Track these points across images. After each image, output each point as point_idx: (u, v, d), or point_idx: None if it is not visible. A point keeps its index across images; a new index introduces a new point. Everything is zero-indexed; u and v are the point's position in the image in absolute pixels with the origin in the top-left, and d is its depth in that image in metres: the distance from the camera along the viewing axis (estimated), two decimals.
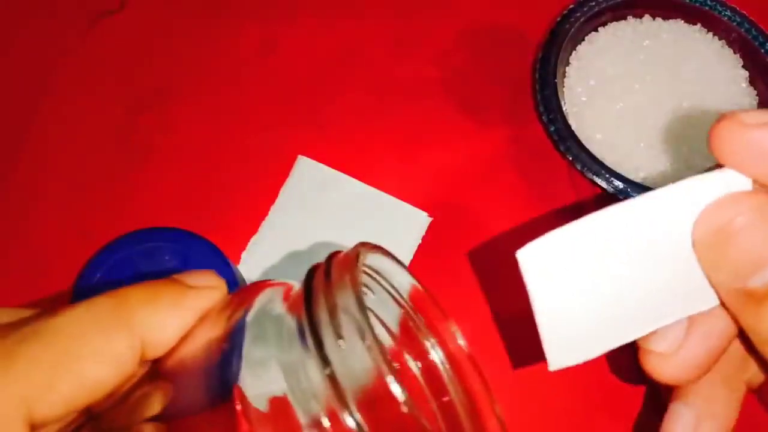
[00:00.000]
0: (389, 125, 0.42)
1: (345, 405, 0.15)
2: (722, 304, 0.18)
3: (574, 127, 0.35)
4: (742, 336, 0.19)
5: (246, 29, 0.45)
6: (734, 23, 0.38)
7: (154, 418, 0.17)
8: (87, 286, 0.35)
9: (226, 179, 0.40)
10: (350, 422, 0.15)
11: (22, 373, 0.15)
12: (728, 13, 0.38)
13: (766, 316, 0.17)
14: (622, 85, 0.37)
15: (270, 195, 0.40)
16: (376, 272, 0.21)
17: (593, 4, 0.38)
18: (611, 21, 0.39)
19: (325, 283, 0.17)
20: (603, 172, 0.34)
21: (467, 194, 0.40)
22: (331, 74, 0.43)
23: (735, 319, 0.18)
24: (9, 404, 0.15)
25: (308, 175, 0.40)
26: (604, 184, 0.33)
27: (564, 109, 0.36)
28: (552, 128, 0.35)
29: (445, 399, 0.21)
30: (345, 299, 0.17)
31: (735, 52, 0.38)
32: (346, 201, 0.39)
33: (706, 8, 0.39)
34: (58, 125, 0.42)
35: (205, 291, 0.19)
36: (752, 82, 0.38)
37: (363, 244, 0.19)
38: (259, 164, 0.41)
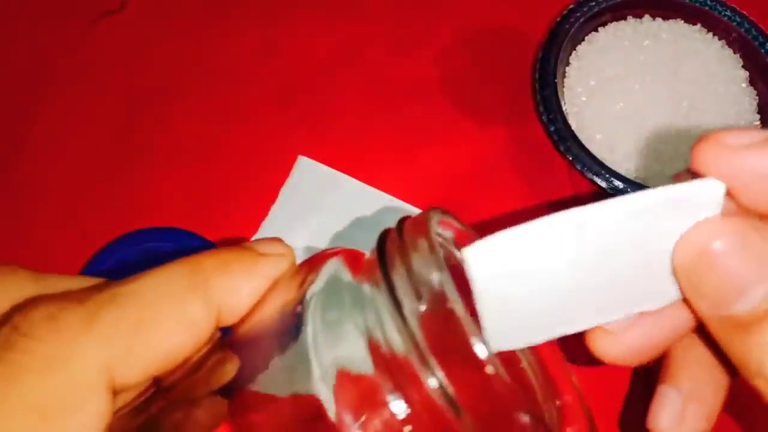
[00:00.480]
0: (389, 125, 0.42)
1: (427, 365, 0.15)
2: (712, 335, 0.17)
3: (574, 127, 0.35)
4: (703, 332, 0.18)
5: (246, 29, 0.45)
6: (734, 23, 0.38)
7: (224, 389, 0.17)
8: None
9: (226, 179, 0.40)
10: (433, 382, 0.15)
11: (104, 338, 0.15)
12: (728, 13, 0.38)
13: (754, 346, 0.16)
14: (622, 85, 0.37)
15: (270, 195, 0.40)
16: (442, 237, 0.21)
17: (593, 4, 0.38)
18: (611, 21, 0.39)
19: (400, 245, 0.17)
20: (603, 172, 0.34)
21: (467, 194, 0.40)
22: (331, 74, 0.43)
23: (726, 352, 0.17)
24: (92, 368, 0.15)
25: (308, 175, 0.40)
26: (603, 184, 0.33)
27: (564, 109, 0.36)
28: (552, 128, 0.35)
29: (520, 365, 0.21)
30: (422, 261, 0.16)
31: (735, 52, 0.38)
32: (346, 201, 0.39)
33: (706, 8, 0.39)
34: (58, 125, 0.42)
35: (275, 258, 0.19)
36: (752, 82, 0.38)
37: (434, 209, 0.19)
38: (259, 164, 0.41)
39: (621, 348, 0.18)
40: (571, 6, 0.38)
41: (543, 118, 0.35)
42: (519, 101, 0.41)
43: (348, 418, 0.15)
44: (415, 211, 0.39)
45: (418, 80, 0.43)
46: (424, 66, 0.44)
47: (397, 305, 0.16)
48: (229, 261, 0.18)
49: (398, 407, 0.16)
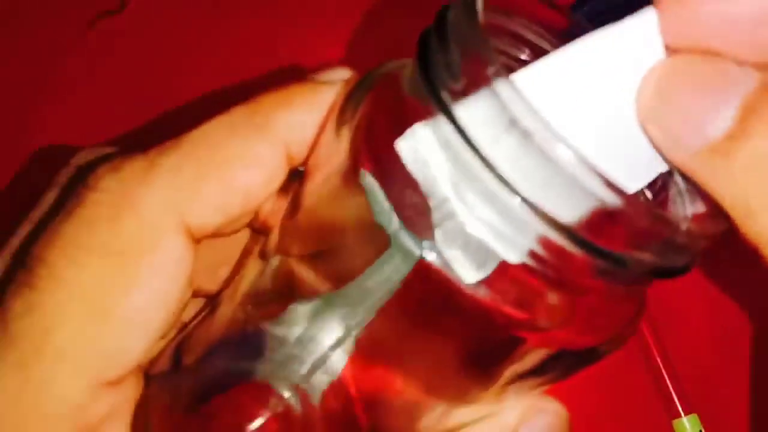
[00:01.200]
0: None
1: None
2: (699, 184, 0.14)
3: None
4: None
5: (246, 29, 0.44)
6: None
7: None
8: None
9: None
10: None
11: (166, 181, 0.15)
12: None
13: (737, 170, 0.13)
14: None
15: None
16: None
17: (593, 4, 0.38)
18: (611, 22, 0.39)
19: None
20: None
21: None
22: None
23: (714, 196, 0.14)
24: (158, 211, 0.15)
25: None
26: None
27: None
28: None
29: None
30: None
31: None
32: None
33: None
34: (57, 125, 0.42)
35: (337, 85, 0.18)
36: None
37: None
38: None
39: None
40: (570, 6, 0.38)
41: None
42: None
43: None
44: None
45: None
46: None
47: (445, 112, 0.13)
48: (289, 95, 0.17)
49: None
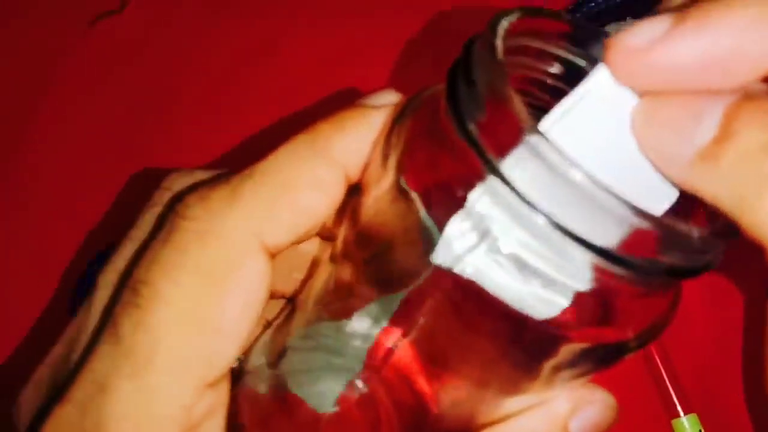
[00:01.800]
0: None
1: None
2: (699, 195, 0.15)
3: None
4: None
5: (246, 29, 0.44)
6: None
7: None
8: (89, 288, 0.35)
9: None
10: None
11: (248, 208, 0.18)
12: None
13: (727, 172, 0.14)
14: None
15: None
16: None
17: (592, 5, 0.38)
18: (611, 22, 0.39)
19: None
20: None
21: None
22: (331, 74, 0.43)
23: (712, 202, 0.14)
24: (243, 234, 0.17)
25: None
26: None
27: None
28: None
29: None
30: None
31: None
32: None
33: None
34: (58, 125, 0.42)
35: (386, 108, 0.19)
36: None
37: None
38: None
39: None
40: (570, 7, 0.38)
41: None
42: None
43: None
44: None
45: (418, 80, 0.43)
46: (424, 66, 0.44)
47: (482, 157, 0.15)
48: (343, 121, 0.19)
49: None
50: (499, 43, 0.16)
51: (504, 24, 0.17)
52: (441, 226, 0.16)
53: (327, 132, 0.19)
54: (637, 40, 0.15)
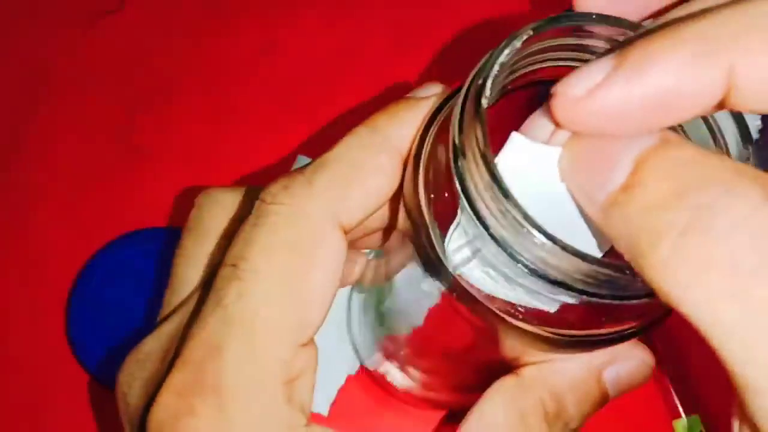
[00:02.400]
0: None
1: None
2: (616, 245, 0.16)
3: None
4: None
5: (246, 29, 0.45)
6: None
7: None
8: (87, 287, 0.35)
9: (225, 179, 0.40)
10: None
11: (323, 191, 0.20)
12: None
13: (629, 217, 0.14)
14: None
15: None
16: None
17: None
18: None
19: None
20: None
21: None
22: (331, 74, 0.43)
23: (614, 244, 0.16)
24: (322, 214, 0.20)
25: None
26: None
27: None
28: None
29: None
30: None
31: None
32: None
33: None
34: (57, 125, 0.42)
35: (433, 98, 0.22)
36: None
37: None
38: (259, 164, 0.41)
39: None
40: (568, 9, 0.38)
41: None
42: None
43: None
44: None
45: (418, 80, 0.43)
46: (424, 66, 0.44)
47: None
48: (397, 111, 0.22)
49: None
50: (488, 85, 0.17)
51: (502, 59, 0.18)
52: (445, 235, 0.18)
53: (384, 123, 0.22)
54: (577, 90, 0.15)
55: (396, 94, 0.41)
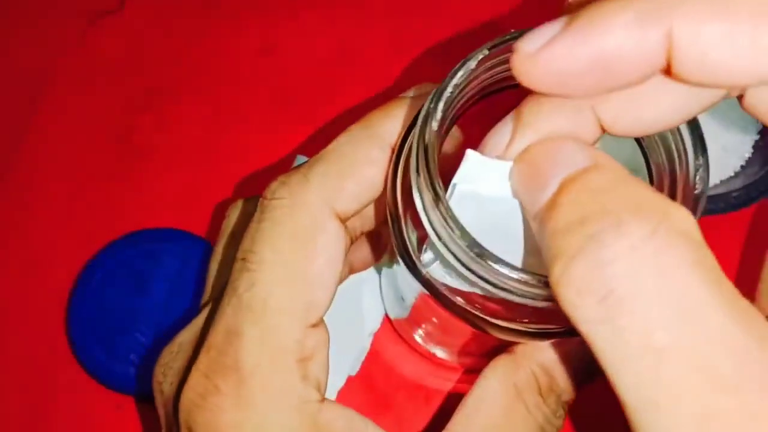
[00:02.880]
0: None
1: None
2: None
3: None
4: None
5: (246, 29, 0.44)
6: None
7: None
8: (87, 287, 0.35)
9: (225, 179, 0.40)
10: None
11: (319, 184, 0.22)
12: None
13: (548, 233, 0.16)
14: None
15: None
16: None
17: None
18: None
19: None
20: None
21: None
22: (331, 74, 0.43)
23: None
24: (319, 204, 0.22)
25: None
26: None
27: None
28: None
29: None
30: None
31: None
32: None
33: None
34: (57, 125, 0.42)
35: (423, 98, 0.22)
36: None
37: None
38: (259, 164, 0.41)
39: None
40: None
41: None
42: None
43: None
44: None
45: (417, 80, 0.43)
46: (424, 66, 0.44)
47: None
48: (390, 110, 0.23)
49: None
50: (439, 108, 0.19)
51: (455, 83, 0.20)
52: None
53: (377, 119, 0.23)
54: (529, 46, 0.16)
55: (395, 94, 0.41)
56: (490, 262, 0.17)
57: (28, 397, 0.36)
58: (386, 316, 0.38)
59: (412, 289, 0.27)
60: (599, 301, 0.14)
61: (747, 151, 0.37)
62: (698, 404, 0.13)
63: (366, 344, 0.37)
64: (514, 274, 0.17)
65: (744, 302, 0.14)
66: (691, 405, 0.13)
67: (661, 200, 0.15)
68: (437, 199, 0.18)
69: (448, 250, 0.18)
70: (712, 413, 0.13)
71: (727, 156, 0.36)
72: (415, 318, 0.32)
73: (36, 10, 0.45)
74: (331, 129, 0.41)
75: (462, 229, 0.18)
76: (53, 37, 0.44)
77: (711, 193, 0.34)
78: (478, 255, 0.17)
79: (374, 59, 0.44)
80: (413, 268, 0.21)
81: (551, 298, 0.16)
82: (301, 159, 0.40)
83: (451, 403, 0.36)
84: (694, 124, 0.19)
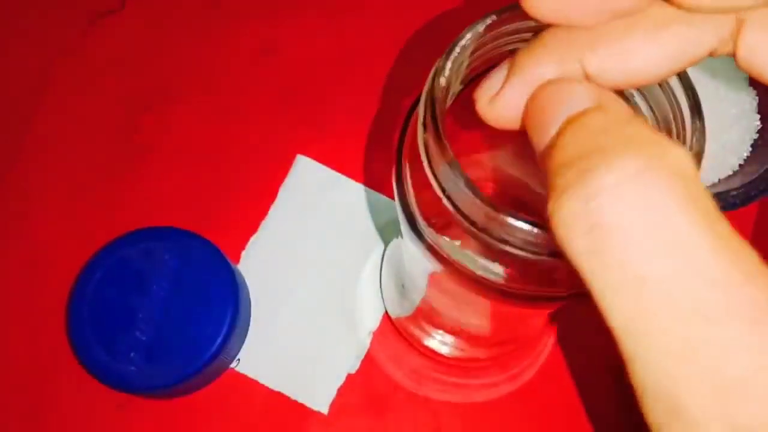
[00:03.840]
0: (389, 126, 0.42)
1: None
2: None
3: None
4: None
5: (246, 29, 0.45)
6: None
7: None
8: (87, 287, 0.35)
9: (225, 179, 0.40)
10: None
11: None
12: None
13: (552, 171, 0.16)
14: None
15: (269, 195, 0.40)
16: None
17: None
18: None
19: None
20: None
21: None
22: (331, 74, 0.43)
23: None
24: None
25: (307, 175, 0.40)
26: None
27: None
28: None
29: None
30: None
31: None
32: (344, 201, 0.39)
33: None
34: (58, 125, 0.42)
35: None
36: (752, 81, 0.38)
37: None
38: (259, 164, 0.41)
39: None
40: None
41: None
42: None
43: None
44: None
45: (418, 80, 0.43)
46: (423, 66, 0.44)
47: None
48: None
49: None
50: (447, 66, 0.20)
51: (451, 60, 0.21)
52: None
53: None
54: (483, 98, 0.19)
55: (396, 94, 0.41)
56: (501, 215, 0.18)
57: (29, 396, 0.36)
58: (386, 314, 0.38)
59: (422, 271, 0.27)
60: (586, 232, 0.14)
61: (746, 150, 0.37)
62: (682, 334, 0.13)
63: (366, 343, 0.37)
64: (526, 226, 0.17)
65: (736, 240, 0.14)
66: (675, 334, 0.13)
67: (659, 138, 0.15)
68: (443, 150, 0.18)
69: (454, 206, 0.18)
70: (697, 344, 0.13)
71: (725, 155, 0.36)
72: (424, 309, 0.32)
73: (36, 10, 0.45)
74: (331, 129, 0.42)
75: (469, 181, 0.18)
76: (53, 37, 0.44)
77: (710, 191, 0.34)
78: (488, 207, 0.18)
79: (374, 59, 0.44)
80: (418, 234, 0.21)
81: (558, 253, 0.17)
82: (302, 159, 0.40)
83: (451, 403, 0.37)
84: (690, 90, 0.19)
